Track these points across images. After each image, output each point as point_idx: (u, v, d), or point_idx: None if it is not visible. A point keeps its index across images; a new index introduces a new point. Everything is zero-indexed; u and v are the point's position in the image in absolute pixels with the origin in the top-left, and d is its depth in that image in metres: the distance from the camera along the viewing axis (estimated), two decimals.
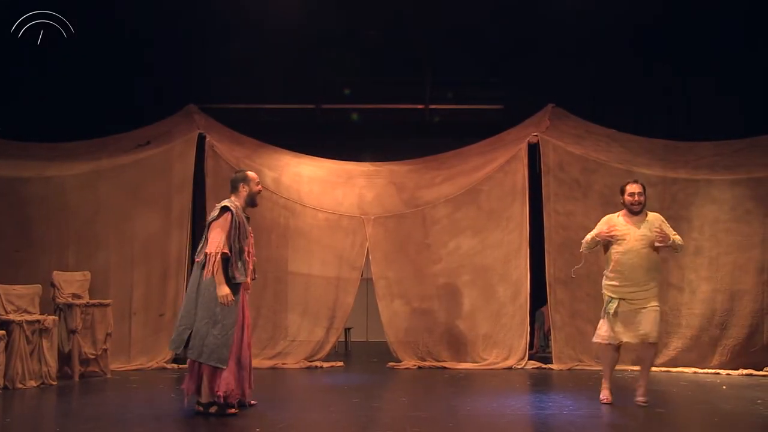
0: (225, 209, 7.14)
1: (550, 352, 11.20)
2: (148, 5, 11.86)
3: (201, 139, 11.32)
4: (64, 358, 9.45)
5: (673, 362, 10.52)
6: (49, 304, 9.58)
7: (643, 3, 11.81)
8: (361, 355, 13.00)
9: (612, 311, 7.58)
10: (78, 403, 8.28)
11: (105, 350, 9.82)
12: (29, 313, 9.12)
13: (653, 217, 7.67)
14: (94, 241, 10.82)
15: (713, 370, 10.27)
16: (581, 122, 11.55)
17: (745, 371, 10.12)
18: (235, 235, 7.09)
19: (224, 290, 6.95)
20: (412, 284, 11.30)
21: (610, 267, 7.63)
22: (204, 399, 6.97)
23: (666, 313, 10.61)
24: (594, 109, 12.20)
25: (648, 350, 7.70)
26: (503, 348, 10.98)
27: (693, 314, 10.53)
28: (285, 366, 10.84)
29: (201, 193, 11.29)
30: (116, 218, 10.93)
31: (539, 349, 12.58)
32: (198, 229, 11.26)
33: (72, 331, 9.48)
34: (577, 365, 10.66)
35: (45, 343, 8.94)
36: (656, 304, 7.61)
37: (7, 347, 8.58)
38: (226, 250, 7.01)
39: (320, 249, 11.40)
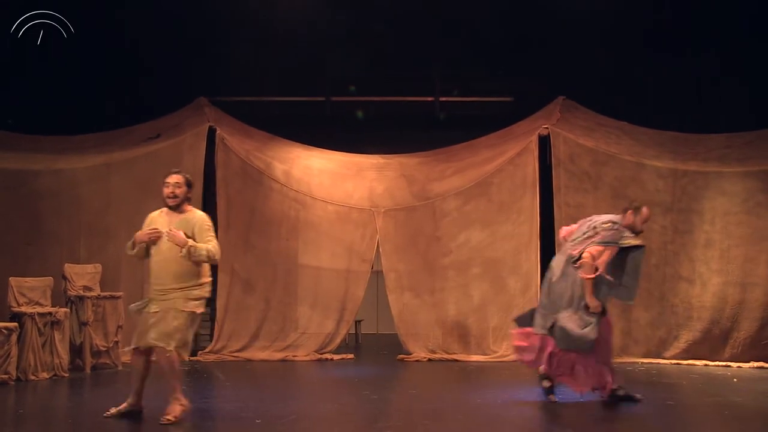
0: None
1: None
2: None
3: (211, 132, 11.33)
4: (76, 350, 9.49)
5: (683, 355, 10.49)
6: (61, 296, 9.62)
7: None
8: (371, 347, 13.02)
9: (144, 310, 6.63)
10: (89, 394, 8.32)
11: (116, 342, 9.86)
12: (41, 305, 9.17)
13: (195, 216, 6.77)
14: (105, 233, 10.83)
15: (724, 363, 10.23)
16: (592, 114, 11.52)
17: (756, 364, 10.08)
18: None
19: (595, 302, 7.14)
20: (423, 277, 11.30)
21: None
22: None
23: (677, 306, 10.61)
24: (604, 102, 12.15)
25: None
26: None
27: (704, 307, 10.49)
28: (295, 358, 10.86)
29: (211, 186, 11.30)
30: (127, 211, 10.93)
31: None
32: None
33: (83, 324, 9.52)
34: None
35: (57, 335, 8.99)
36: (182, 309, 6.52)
37: (20, 339, 8.62)
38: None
39: (330, 241, 11.41)
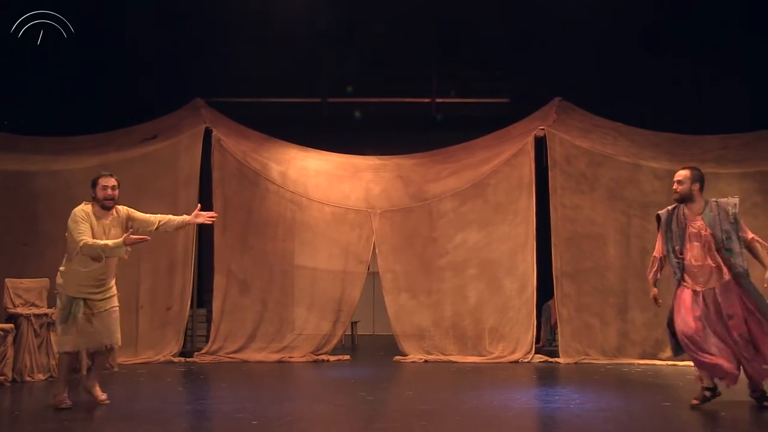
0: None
1: (557, 346, 11.19)
2: (157, 0, 11.89)
3: (208, 133, 11.33)
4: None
5: (679, 356, 10.47)
6: (56, 297, 9.59)
7: None
8: (367, 348, 13.02)
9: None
10: (85, 396, 8.30)
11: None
12: (37, 306, 9.16)
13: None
14: None
15: None
16: (588, 116, 11.54)
17: None
18: None
19: None
20: (419, 278, 11.30)
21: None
22: None
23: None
24: (601, 103, 12.17)
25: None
26: (510, 341, 10.98)
27: None
28: (292, 359, 10.86)
29: (207, 187, 11.30)
30: None
31: (546, 342, 12.58)
32: (205, 224, 11.28)
33: None
34: (583, 359, 10.65)
35: (53, 337, 8.97)
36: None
37: (15, 340, 8.62)
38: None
39: (327, 242, 11.40)
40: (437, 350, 11.07)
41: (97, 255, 6.93)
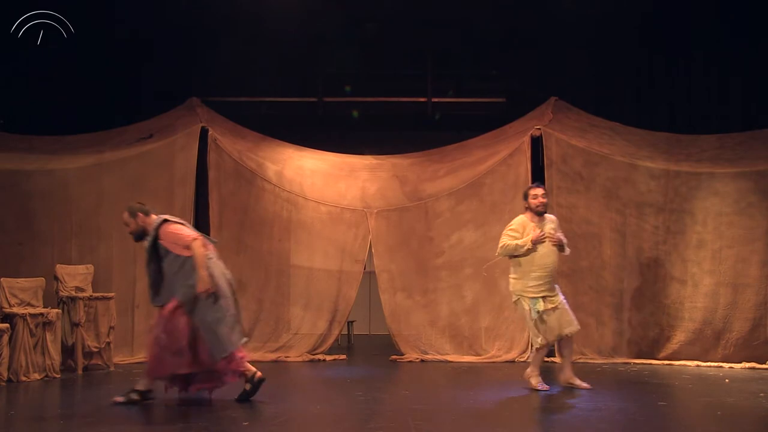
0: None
1: (553, 346, 11.18)
2: None
3: (203, 132, 11.31)
4: (68, 351, 9.48)
5: (675, 356, 10.52)
6: (53, 297, 9.60)
7: None
8: (363, 348, 13.02)
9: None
10: (81, 396, 8.30)
11: (108, 343, 9.85)
12: (33, 306, 9.15)
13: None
14: (96, 234, 10.80)
15: (716, 364, 10.26)
16: (584, 115, 11.54)
17: (748, 364, 10.11)
18: None
19: None
20: (415, 277, 11.30)
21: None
22: None
23: (669, 307, 10.64)
24: (597, 102, 12.18)
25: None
26: (505, 341, 10.99)
27: (696, 307, 10.52)
28: (288, 359, 10.85)
29: (203, 187, 11.29)
30: (119, 211, 10.69)
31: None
32: (201, 223, 11.30)
33: (75, 324, 9.50)
34: (579, 358, 10.64)
35: (48, 336, 8.97)
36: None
37: (11, 340, 8.61)
38: None
39: (323, 242, 11.40)
40: (433, 350, 11.07)
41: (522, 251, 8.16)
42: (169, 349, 7.04)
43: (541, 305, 8.06)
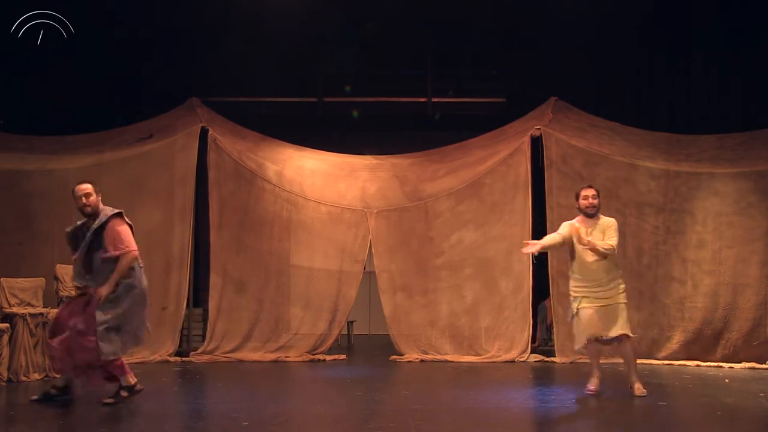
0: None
1: (553, 346, 11.20)
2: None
3: (203, 133, 11.31)
4: None
5: (675, 355, 10.52)
6: (53, 297, 9.58)
7: None
8: (363, 348, 13.02)
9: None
10: (81, 395, 8.29)
11: None
12: (32, 306, 9.14)
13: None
14: None
15: (716, 364, 10.26)
16: (584, 115, 11.54)
17: (747, 364, 10.11)
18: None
19: None
20: (415, 277, 11.30)
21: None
22: None
23: (669, 307, 10.64)
24: (597, 102, 12.19)
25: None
26: (505, 341, 10.99)
27: (696, 308, 10.52)
28: (288, 359, 10.85)
29: (203, 187, 11.29)
30: None
31: (542, 342, 12.60)
32: (201, 223, 11.31)
33: None
34: (579, 358, 10.63)
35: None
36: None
37: (11, 340, 8.59)
38: None
39: (323, 242, 11.40)
40: (433, 350, 11.07)
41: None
42: (86, 337, 7.06)
43: (575, 306, 7.85)
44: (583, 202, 7.92)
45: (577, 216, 7.99)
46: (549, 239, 8.03)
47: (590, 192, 7.96)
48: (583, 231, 7.77)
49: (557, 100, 11.56)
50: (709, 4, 11.82)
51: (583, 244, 7.65)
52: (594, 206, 7.92)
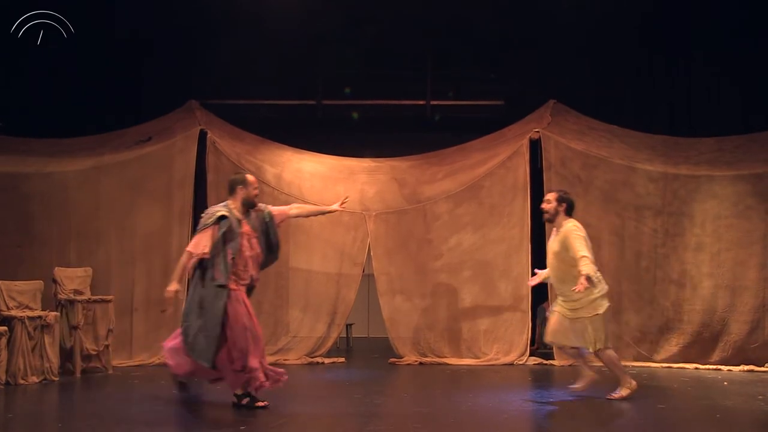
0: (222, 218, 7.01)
1: (552, 348, 11.19)
2: (150, 1, 11.86)
3: (202, 135, 11.31)
4: (66, 354, 9.46)
5: (674, 358, 10.52)
6: (51, 300, 9.59)
7: None
8: (362, 351, 13.01)
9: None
10: (80, 399, 8.29)
11: (107, 346, 9.83)
12: (31, 309, 9.13)
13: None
14: (95, 236, 10.80)
15: (714, 366, 10.26)
16: (582, 118, 11.54)
17: (746, 367, 10.11)
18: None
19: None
20: (414, 280, 11.30)
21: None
22: None
23: (667, 309, 10.64)
24: (596, 103, 12.18)
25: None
26: (504, 344, 10.99)
27: (694, 310, 10.52)
28: (286, 362, 10.84)
29: (202, 189, 11.29)
30: (117, 214, 10.92)
31: (540, 344, 12.58)
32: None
33: (74, 327, 9.49)
34: (578, 360, 10.64)
35: (47, 339, 8.95)
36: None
37: (9, 343, 8.59)
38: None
39: (321, 245, 11.40)
40: (432, 352, 11.07)
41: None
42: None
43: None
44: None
45: None
46: (547, 272, 8.00)
47: (547, 196, 7.75)
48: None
49: (556, 102, 11.55)
50: (709, 4, 11.82)
51: (579, 291, 7.27)
52: (546, 211, 7.69)
